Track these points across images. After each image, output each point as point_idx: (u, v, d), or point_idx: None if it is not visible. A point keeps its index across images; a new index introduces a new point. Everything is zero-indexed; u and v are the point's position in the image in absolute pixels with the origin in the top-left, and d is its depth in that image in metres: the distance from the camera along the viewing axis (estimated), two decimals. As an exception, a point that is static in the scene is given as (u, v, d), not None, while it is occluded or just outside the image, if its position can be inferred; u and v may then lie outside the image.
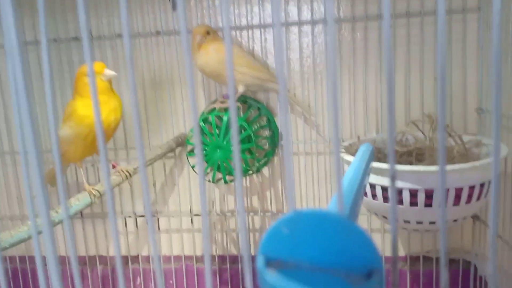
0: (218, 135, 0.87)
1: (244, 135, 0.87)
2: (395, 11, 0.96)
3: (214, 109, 0.94)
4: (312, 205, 1.06)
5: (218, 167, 0.90)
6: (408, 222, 0.77)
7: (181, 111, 1.08)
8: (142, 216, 1.13)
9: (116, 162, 0.93)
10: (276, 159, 1.06)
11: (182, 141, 1.05)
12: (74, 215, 0.80)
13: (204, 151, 0.89)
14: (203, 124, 0.88)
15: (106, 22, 1.07)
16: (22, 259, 1.20)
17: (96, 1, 1.06)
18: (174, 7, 1.04)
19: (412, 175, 0.70)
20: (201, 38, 0.89)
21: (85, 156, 0.87)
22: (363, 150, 0.61)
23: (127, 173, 0.89)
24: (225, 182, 0.91)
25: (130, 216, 1.14)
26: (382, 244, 1.04)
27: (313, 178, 1.05)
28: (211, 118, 0.89)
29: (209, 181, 0.94)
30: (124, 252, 1.16)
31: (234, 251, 1.13)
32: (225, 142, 0.87)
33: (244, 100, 1.02)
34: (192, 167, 0.92)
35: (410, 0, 0.95)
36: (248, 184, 1.09)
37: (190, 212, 1.12)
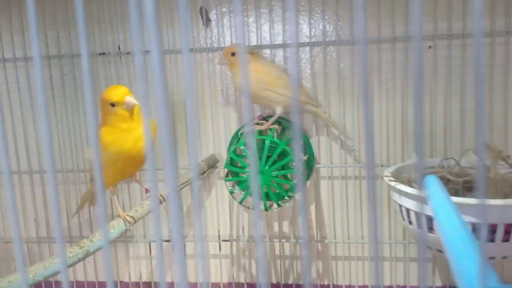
0: (260, 159, 0.83)
1: (287, 160, 0.83)
2: (436, 32, 0.93)
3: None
4: (346, 231, 1.01)
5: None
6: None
7: (211, 131, 1.04)
8: (168, 240, 1.08)
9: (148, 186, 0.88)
10: (308, 182, 1.02)
11: (213, 163, 1.01)
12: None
13: (244, 177, 0.84)
14: (244, 147, 0.84)
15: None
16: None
17: (124, 16, 1.02)
18: (206, 23, 1.00)
19: (473, 208, 0.66)
20: (223, 60, 0.86)
21: (117, 181, 0.82)
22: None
23: (161, 198, 0.85)
24: (266, 209, 0.87)
25: (154, 241, 1.09)
26: (432, 273, 0.99)
27: (347, 203, 1.01)
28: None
29: (249, 207, 0.90)
30: (146, 278, 1.11)
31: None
32: (267, 167, 0.83)
33: (278, 121, 0.98)
34: (231, 192, 0.88)
35: (453, 21, 0.92)
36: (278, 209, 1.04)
37: (218, 237, 1.07)
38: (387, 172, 0.86)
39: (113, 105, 0.71)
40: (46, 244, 1.12)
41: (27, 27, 1.05)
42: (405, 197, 0.73)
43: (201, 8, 1.00)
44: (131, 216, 0.80)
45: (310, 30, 0.96)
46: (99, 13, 1.02)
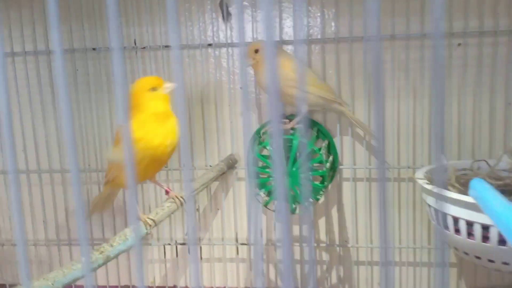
0: (287, 160, 0.79)
1: (316, 161, 0.79)
2: (467, 29, 0.89)
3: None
4: (368, 233, 0.98)
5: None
6: (479, 258, 0.71)
7: (229, 130, 1.00)
8: (183, 244, 1.04)
9: (169, 187, 0.84)
10: (330, 185, 0.98)
11: (232, 164, 0.96)
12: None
13: (270, 178, 0.80)
14: (270, 148, 0.80)
15: (151, 32, 0.98)
16: None
17: (140, 8, 0.98)
18: (225, 18, 0.96)
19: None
20: (248, 60, 0.82)
21: (138, 182, 0.78)
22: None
23: (181, 200, 0.80)
24: (293, 212, 0.83)
25: (169, 244, 1.05)
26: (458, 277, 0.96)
27: (371, 206, 0.97)
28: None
29: (273, 211, 0.86)
30: (160, 282, 1.06)
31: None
32: (294, 169, 0.79)
33: (293, 118, 0.94)
34: (265, 205, 0.84)
35: (484, 18, 0.89)
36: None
37: (236, 240, 1.03)
38: (420, 174, 0.82)
39: (154, 89, 0.70)
40: (55, 246, 1.07)
41: (38, 20, 1.00)
42: (452, 205, 0.69)
43: (221, 2, 0.96)
44: (151, 219, 0.76)
45: (336, 26, 0.93)
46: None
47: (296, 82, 0.83)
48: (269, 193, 0.82)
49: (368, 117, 0.94)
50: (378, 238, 0.97)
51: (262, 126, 0.96)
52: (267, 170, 0.82)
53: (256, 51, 0.83)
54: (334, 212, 0.99)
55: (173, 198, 0.80)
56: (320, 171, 0.81)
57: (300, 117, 0.87)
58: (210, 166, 1.00)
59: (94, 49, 0.99)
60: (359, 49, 0.93)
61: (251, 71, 0.91)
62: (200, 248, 1.04)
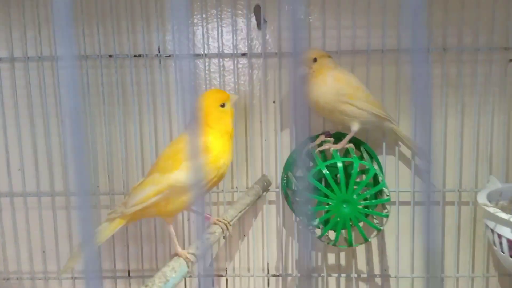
0: (346, 186, 0.70)
1: (378, 188, 0.71)
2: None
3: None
4: (411, 264, 0.90)
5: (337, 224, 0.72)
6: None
7: (259, 148, 0.90)
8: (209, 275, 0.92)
9: (208, 213, 0.73)
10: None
11: (267, 186, 0.87)
12: None
13: (328, 206, 0.71)
14: (327, 171, 0.71)
15: (177, 38, 0.87)
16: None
17: (164, 12, 0.87)
18: (260, 25, 0.87)
19: None
20: (304, 69, 0.74)
21: (181, 210, 0.68)
22: None
23: (227, 223, 0.70)
24: (350, 245, 0.74)
25: (190, 276, 0.93)
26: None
27: (414, 232, 0.89)
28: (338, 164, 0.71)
29: (329, 243, 0.76)
30: (179, 319, 0.94)
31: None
32: (355, 196, 0.70)
33: (339, 137, 0.85)
34: (319, 237, 0.74)
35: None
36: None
37: (267, 271, 0.92)
38: (482, 197, 0.75)
39: (223, 105, 0.66)
40: (56, 281, 0.93)
41: (43, 22, 0.88)
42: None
43: (256, 7, 0.87)
44: (192, 254, 0.66)
45: (384, 37, 0.85)
46: (134, 8, 0.87)
47: (350, 98, 0.74)
48: (324, 223, 0.73)
49: (414, 135, 0.86)
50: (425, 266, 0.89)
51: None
52: (322, 196, 0.72)
53: (315, 60, 0.75)
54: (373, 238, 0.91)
55: (215, 223, 0.70)
56: (384, 198, 0.72)
57: (350, 136, 0.79)
58: (236, 187, 0.90)
59: (110, 56, 0.87)
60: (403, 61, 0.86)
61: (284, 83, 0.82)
62: (226, 280, 0.93)
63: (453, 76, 0.85)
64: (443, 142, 0.86)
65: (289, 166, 0.87)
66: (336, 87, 0.74)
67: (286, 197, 0.88)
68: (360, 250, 0.92)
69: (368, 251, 0.91)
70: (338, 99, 0.75)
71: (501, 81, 0.85)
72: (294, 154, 0.87)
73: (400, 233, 0.89)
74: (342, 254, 0.93)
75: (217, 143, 0.64)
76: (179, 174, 0.64)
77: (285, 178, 0.87)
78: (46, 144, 0.90)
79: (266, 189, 0.86)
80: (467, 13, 0.83)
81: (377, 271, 0.92)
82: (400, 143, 0.87)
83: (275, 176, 0.91)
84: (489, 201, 0.75)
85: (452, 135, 0.87)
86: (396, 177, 0.87)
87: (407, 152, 0.88)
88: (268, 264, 0.92)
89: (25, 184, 0.91)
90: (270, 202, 0.91)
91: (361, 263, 0.92)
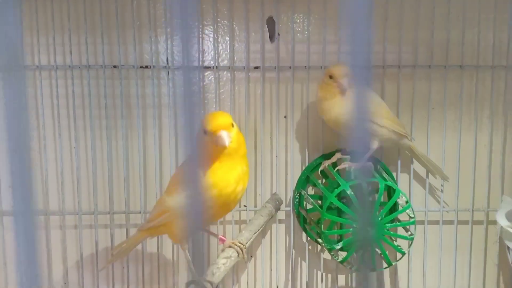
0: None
1: (404, 209, 0.68)
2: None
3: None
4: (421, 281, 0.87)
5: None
6: None
7: (269, 165, 0.86)
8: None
9: (223, 235, 0.69)
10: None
11: (279, 205, 0.83)
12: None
13: (351, 229, 0.68)
14: (352, 192, 0.68)
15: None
16: None
17: (173, 22, 0.83)
18: (274, 37, 0.84)
19: None
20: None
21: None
22: None
23: (242, 246, 0.66)
24: (374, 269, 0.71)
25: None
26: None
27: (424, 251, 0.87)
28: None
29: (351, 267, 0.73)
30: None
31: None
32: (380, 218, 0.67)
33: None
34: (341, 262, 0.71)
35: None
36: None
37: (277, 294, 0.88)
38: (501, 219, 0.74)
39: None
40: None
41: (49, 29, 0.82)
42: None
43: (269, 19, 0.84)
44: (209, 282, 0.62)
45: (399, 53, 0.83)
46: (141, 16, 0.82)
47: (372, 115, 0.72)
48: (347, 247, 0.70)
49: (428, 152, 0.85)
50: (435, 285, 0.87)
51: (314, 163, 0.84)
52: (345, 218, 0.69)
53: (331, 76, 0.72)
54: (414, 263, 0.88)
55: (230, 246, 0.66)
56: (410, 221, 0.70)
57: (369, 154, 0.76)
58: (245, 206, 0.86)
59: (115, 66, 0.82)
60: (421, 77, 0.84)
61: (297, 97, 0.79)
62: (232, 304, 0.89)
63: (487, 92, 0.84)
64: (457, 160, 0.85)
65: (302, 184, 0.84)
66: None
67: (298, 216, 0.84)
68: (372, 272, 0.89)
69: (380, 273, 0.88)
70: (361, 116, 0.72)
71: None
72: (307, 171, 0.84)
73: (413, 254, 0.86)
74: (353, 276, 0.90)
75: (217, 170, 0.60)
76: (178, 198, 0.62)
77: (297, 196, 0.84)
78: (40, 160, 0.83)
79: (277, 208, 0.83)
80: (484, 33, 0.83)
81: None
82: (414, 160, 0.85)
83: (285, 194, 0.88)
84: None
85: (466, 153, 0.85)
86: (409, 195, 0.85)
87: (420, 170, 0.87)
88: (277, 286, 0.88)
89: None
90: (279, 221, 0.88)
91: (372, 286, 0.89)
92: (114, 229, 0.85)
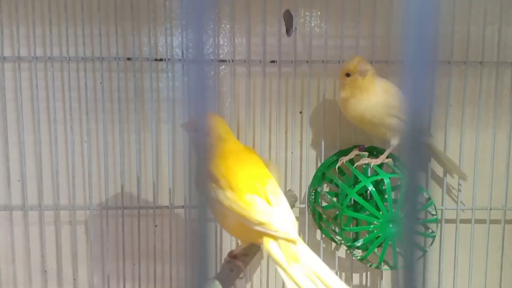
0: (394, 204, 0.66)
1: (427, 206, 0.67)
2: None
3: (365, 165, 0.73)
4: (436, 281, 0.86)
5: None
6: None
7: (284, 161, 0.85)
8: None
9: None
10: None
11: (293, 202, 0.81)
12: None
13: (372, 226, 0.66)
14: (373, 188, 0.66)
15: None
16: None
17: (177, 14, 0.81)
18: (291, 31, 0.82)
19: None
20: (364, 65, 0.69)
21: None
22: None
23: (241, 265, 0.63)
24: (395, 267, 0.69)
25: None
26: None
27: (441, 250, 0.86)
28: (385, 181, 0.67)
29: (371, 265, 0.71)
30: None
31: None
32: (402, 215, 0.66)
33: (371, 151, 0.81)
34: (361, 259, 0.69)
35: None
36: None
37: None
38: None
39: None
40: (58, 303, 0.85)
41: (39, 19, 0.80)
42: None
43: (286, 12, 0.82)
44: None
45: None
46: (156, 8, 0.81)
47: (397, 110, 0.70)
48: (364, 245, 0.68)
49: (446, 150, 0.83)
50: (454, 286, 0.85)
51: (331, 159, 0.82)
52: (364, 214, 0.68)
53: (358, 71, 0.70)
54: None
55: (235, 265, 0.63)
56: (432, 218, 0.68)
57: (390, 151, 0.75)
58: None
59: (129, 59, 0.80)
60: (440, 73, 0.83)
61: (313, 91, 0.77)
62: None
63: (486, 90, 0.83)
64: (476, 158, 0.84)
65: (317, 180, 0.82)
66: (385, 98, 0.70)
67: (314, 213, 0.83)
68: (386, 270, 0.87)
69: (394, 272, 0.87)
70: (385, 112, 0.71)
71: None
72: (323, 168, 0.82)
73: (429, 253, 0.85)
74: (368, 275, 0.88)
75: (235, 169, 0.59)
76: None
77: (313, 193, 0.82)
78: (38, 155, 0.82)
79: (293, 205, 0.81)
80: (504, 27, 0.82)
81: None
82: (432, 158, 0.84)
83: (300, 190, 0.86)
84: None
85: (484, 151, 0.84)
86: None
87: (438, 169, 0.85)
88: None
89: (27, 197, 0.82)
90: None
91: (387, 284, 0.88)
92: (125, 225, 0.83)
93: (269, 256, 0.55)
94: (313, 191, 0.82)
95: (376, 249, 0.69)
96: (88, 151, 0.82)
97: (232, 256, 0.62)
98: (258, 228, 0.55)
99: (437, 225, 0.70)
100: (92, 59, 0.80)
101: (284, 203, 0.58)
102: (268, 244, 0.55)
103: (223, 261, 0.65)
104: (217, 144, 0.61)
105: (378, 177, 0.68)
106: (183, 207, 0.83)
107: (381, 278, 0.86)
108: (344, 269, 0.87)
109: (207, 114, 0.68)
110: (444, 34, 0.82)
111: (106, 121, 0.82)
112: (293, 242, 0.54)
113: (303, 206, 0.85)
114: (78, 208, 0.83)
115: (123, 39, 0.80)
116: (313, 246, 0.86)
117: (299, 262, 0.54)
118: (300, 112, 0.85)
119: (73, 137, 0.82)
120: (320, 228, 0.84)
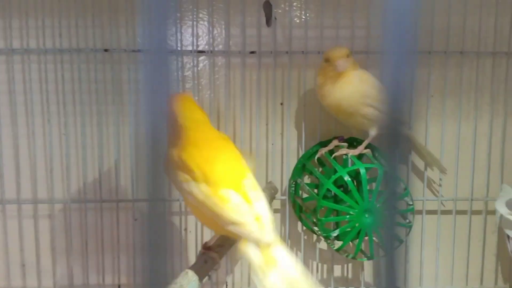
0: (370, 194, 0.65)
1: (403, 196, 0.66)
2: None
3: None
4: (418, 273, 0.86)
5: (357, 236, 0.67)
6: None
7: (265, 152, 0.84)
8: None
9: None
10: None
11: (274, 194, 0.81)
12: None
13: (348, 216, 0.66)
14: (349, 179, 0.66)
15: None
16: None
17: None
18: (270, 22, 0.82)
19: None
20: (344, 63, 0.68)
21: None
22: None
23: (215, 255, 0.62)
24: (372, 257, 0.69)
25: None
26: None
27: (422, 242, 0.86)
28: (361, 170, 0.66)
29: (347, 256, 0.71)
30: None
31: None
32: (378, 205, 0.66)
33: (351, 142, 0.81)
34: (337, 249, 0.69)
35: None
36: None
37: None
38: (501, 208, 0.73)
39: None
40: (37, 297, 0.84)
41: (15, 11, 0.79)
42: None
43: (265, 3, 0.81)
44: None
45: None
46: (133, -1, 0.80)
47: (374, 100, 0.70)
48: (342, 236, 0.68)
49: (426, 142, 0.83)
50: (434, 278, 0.85)
51: (311, 151, 0.82)
52: (341, 205, 0.67)
53: (348, 56, 0.70)
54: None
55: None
56: (408, 208, 0.68)
57: (368, 141, 0.74)
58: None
59: (106, 50, 0.79)
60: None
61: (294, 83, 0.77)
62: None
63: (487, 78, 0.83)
64: (457, 149, 0.83)
65: (298, 172, 0.82)
66: (362, 88, 0.70)
67: (294, 205, 0.82)
68: (368, 261, 0.87)
69: (376, 263, 0.87)
70: (363, 101, 0.70)
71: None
72: (303, 159, 0.82)
73: (410, 245, 0.85)
74: (349, 266, 0.88)
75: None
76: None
77: (293, 185, 0.82)
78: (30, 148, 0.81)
79: (273, 197, 0.81)
80: (484, 17, 0.81)
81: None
82: (412, 151, 0.84)
83: (280, 182, 0.86)
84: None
85: (465, 142, 0.84)
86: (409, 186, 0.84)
87: (418, 163, 0.85)
88: None
89: (4, 190, 0.81)
90: (274, 211, 0.86)
91: (369, 275, 0.88)
92: (104, 218, 0.83)
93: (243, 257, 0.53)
94: (294, 183, 0.82)
95: (355, 240, 0.69)
96: (66, 144, 0.81)
97: (206, 247, 0.61)
98: (231, 228, 0.53)
99: (413, 215, 0.70)
100: (69, 51, 0.79)
101: (263, 199, 0.55)
102: (243, 244, 0.52)
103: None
104: (190, 129, 0.58)
105: (354, 167, 0.67)
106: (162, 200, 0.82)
107: (363, 270, 0.86)
108: (325, 261, 0.87)
109: (178, 95, 0.66)
110: (424, 24, 0.81)
111: (84, 113, 0.81)
112: (267, 246, 0.51)
113: (284, 198, 0.84)
114: (57, 201, 0.82)
115: (100, 30, 0.79)
116: (294, 238, 0.86)
117: (275, 266, 0.51)
118: (281, 104, 0.84)
119: (51, 130, 0.81)
120: (301, 220, 0.83)
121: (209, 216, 0.55)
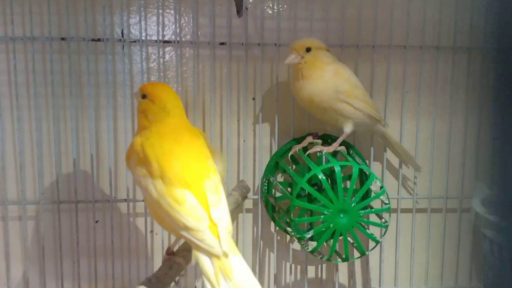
0: (345, 193, 0.62)
1: (378, 195, 0.63)
2: None
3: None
4: (393, 273, 0.84)
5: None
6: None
7: (236, 150, 0.80)
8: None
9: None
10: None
11: (246, 193, 0.77)
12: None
13: (323, 216, 0.63)
14: (323, 177, 0.63)
15: (144, 23, 0.76)
16: None
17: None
18: (241, 12, 0.77)
19: None
20: (296, 57, 0.65)
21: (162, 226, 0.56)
22: None
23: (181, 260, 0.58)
24: (346, 259, 0.66)
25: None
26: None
27: (397, 241, 0.84)
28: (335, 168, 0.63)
29: (322, 258, 0.68)
30: None
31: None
32: (353, 204, 0.62)
33: (326, 139, 0.78)
34: (301, 238, 0.65)
35: None
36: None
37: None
38: (478, 207, 0.71)
39: (144, 97, 0.57)
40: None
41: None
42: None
43: (236, -8, 0.77)
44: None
45: (375, 32, 0.79)
46: (93, -16, 0.74)
47: (348, 96, 0.67)
48: (316, 236, 0.65)
49: (401, 138, 0.81)
50: (409, 279, 0.84)
51: (284, 148, 0.78)
52: (316, 205, 0.64)
53: (308, 49, 0.66)
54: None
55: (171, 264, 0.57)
56: (384, 207, 0.65)
57: (343, 138, 0.71)
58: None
59: (63, 38, 0.73)
60: (396, 56, 0.80)
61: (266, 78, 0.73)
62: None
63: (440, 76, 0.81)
64: (432, 146, 0.82)
65: (270, 170, 0.78)
66: (335, 83, 0.67)
67: (267, 204, 0.79)
68: (342, 264, 0.84)
69: (351, 264, 0.84)
70: (336, 96, 0.67)
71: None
72: (276, 157, 0.78)
73: (384, 244, 0.83)
74: (323, 267, 0.85)
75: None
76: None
77: (265, 184, 0.78)
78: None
79: (244, 196, 0.77)
80: (462, 14, 0.79)
81: (359, 285, 0.86)
82: (387, 148, 0.81)
83: (253, 181, 0.82)
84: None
85: (440, 139, 0.82)
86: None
87: (393, 160, 0.83)
88: None
89: None
90: (246, 211, 0.82)
91: (343, 277, 0.85)
92: (62, 220, 0.77)
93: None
94: (266, 182, 0.78)
95: (330, 241, 0.66)
96: (19, 140, 0.74)
97: (170, 252, 0.57)
98: (183, 233, 0.48)
99: (389, 215, 0.68)
100: (23, 39, 0.73)
101: (223, 205, 0.50)
102: (196, 252, 0.48)
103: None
104: (160, 117, 0.54)
105: (329, 165, 0.64)
106: (125, 200, 0.77)
107: (337, 270, 0.83)
108: (299, 262, 0.84)
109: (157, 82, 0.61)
110: (399, 19, 0.79)
111: (39, 107, 0.74)
112: (218, 256, 0.47)
113: (256, 197, 0.81)
114: (10, 203, 0.76)
115: (57, 17, 0.73)
116: (267, 238, 0.83)
117: (229, 277, 0.47)
118: (253, 99, 0.80)
119: (3, 125, 0.74)
120: (274, 220, 0.80)
121: (163, 217, 0.50)
